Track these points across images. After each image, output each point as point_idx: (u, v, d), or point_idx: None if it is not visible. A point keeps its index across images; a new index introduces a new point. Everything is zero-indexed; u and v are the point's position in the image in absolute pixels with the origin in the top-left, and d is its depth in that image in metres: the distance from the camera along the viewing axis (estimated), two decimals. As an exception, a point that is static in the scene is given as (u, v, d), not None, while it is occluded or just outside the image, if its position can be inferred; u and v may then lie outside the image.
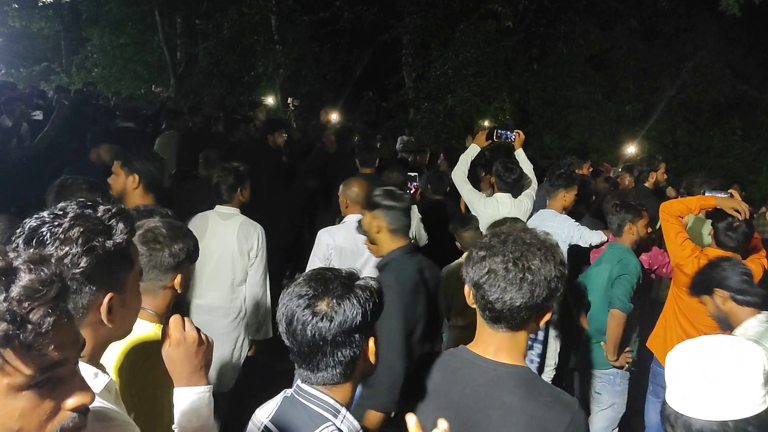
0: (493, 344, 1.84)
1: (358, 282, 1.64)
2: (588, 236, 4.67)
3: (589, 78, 15.20)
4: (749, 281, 3.13)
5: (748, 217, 3.90)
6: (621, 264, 4.06)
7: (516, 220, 4.15)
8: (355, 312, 1.58)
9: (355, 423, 1.68)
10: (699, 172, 10.99)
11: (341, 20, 16.05)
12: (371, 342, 1.65)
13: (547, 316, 1.83)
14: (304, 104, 15.84)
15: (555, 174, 4.96)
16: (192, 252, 2.29)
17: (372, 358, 1.68)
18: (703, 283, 3.27)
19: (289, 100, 11.41)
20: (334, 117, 10.46)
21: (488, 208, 4.98)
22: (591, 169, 6.13)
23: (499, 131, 5.64)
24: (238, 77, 17.89)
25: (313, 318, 1.57)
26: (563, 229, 4.65)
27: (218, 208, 4.09)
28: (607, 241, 4.58)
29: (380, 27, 15.79)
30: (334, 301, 1.58)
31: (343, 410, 1.66)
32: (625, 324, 4.00)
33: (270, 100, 12.85)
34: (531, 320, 1.80)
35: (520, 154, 5.41)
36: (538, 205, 5.19)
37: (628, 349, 4.12)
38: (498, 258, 1.76)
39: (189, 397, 1.70)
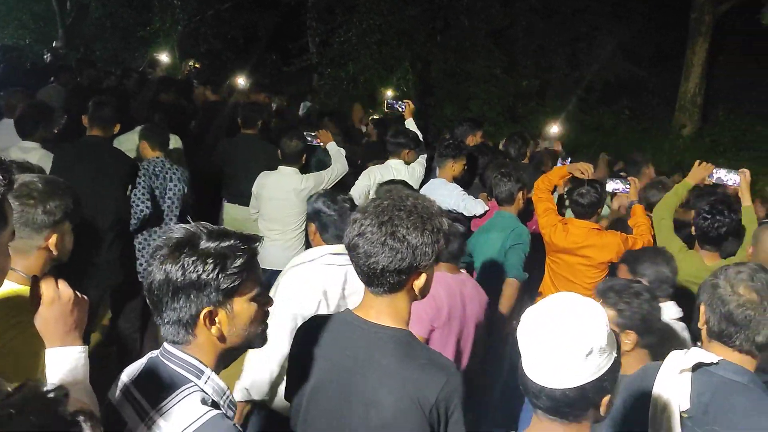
0: (374, 308, 1.90)
1: (204, 245, 1.55)
2: (471, 206, 4.82)
3: (489, 52, 15.49)
4: None
5: (590, 177, 4.24)
6: (515, 233, 4.22)
7: (404, 183, 4.20)
8: (177, 273, 1.52)
9: (221, 384, 1.63)
10: (588, 148, 11.55)
11: (244, -24, 15.57)
12: (207, 311, 1.56)
13: (420, 281, 1.86)
14: (203, 64, 15.33)
15: (443, 144, 5.09)
16: (71, 211, 2.17)
17: (225, 329, 1.59)
18: None
19: (191, 61, 11.02)
20: (242, 81, 10.12)
21: (383, 174, 5.03)
22: (483, 140, 6.28)
23: (389, 101, 5.74)
24: (132, 32, 17.04)
25: (153, 270, 1.54)
26: (451, 198, 4.77)
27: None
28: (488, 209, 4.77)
29: (285, -13, 15.44)
30: (171, 258, 1.53)
31: (208, 371, 1.61)
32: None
33: (164, 57, 12.29)
34: (404, 284, 1.84)
35: (410, 124, 5.55)
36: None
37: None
38: (367, 221, 1.80)
39: (63, 358, 1.65)
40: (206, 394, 1.58)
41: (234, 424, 1.56)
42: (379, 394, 1.82)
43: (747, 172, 4.17)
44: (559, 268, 4.27)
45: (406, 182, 4.22)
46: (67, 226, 2.18)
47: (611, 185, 4.57)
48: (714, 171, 4.21)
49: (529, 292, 4.33)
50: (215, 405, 1.58)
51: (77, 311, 1.69)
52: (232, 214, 5.69)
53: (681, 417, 2.01)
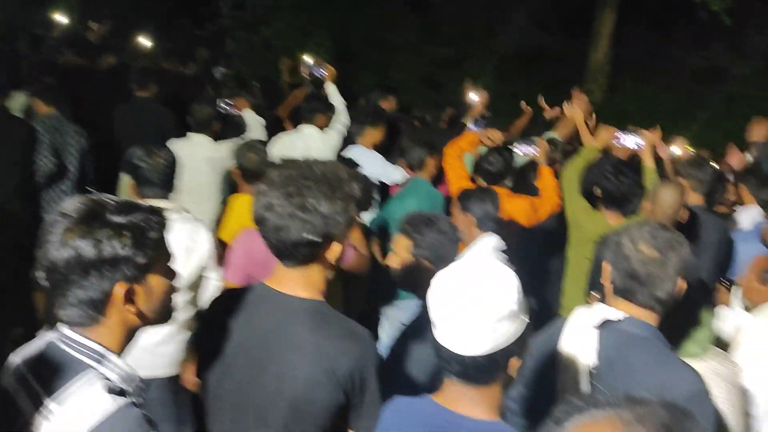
0: (287, 279, 1.84)
1: (115, 218, 1.43)
2: (391, 174, 4.83)
3: (407, 20, 15.45)
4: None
5: (498, 144, 4.34)
6: (429, 197, 4.27)
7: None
8: (89, 249, 1.40)
9: (127, 368, 1.50)
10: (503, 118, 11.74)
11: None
12: (124, 288, 1.46)
13: (335, 251, 1.82)
14: (110, 26, 14.62)
15: (362, 111, 5.07)
16: None
17: (142, 306, 1.50)
18: None
19: (96, 26, 10.48)
20: (145, 42, 9.70)
21: (297, 141, 4.94)
22: (396, 107, 6.28)
23: (311, 67, 5.64)
24: (30, -8, 16.04)
25: (56, 247, 1.41)
26: (371, 166, 4.75)
27: None
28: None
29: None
30: (79, 232, 1.41)
31: (112, 356, 1.48)
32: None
33: (63, 18, 11.59)
34: (317, 255, 1.80)
35: (330, 88, 5.43)
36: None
37: None
38: (275, 193, 1.73)
39: None
40: (111, 381, 1.45)
41: (143, 413, 1.44)
42: (292, 366, 1.77)
43: (649, 135, 4.33)
44: None
45: None
46: None
47: (521, 149, 4.63)
48: (618, 134, 4.36)
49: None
50: (122, 393, 1.46)
51: None
52: (128, 182, 5.38)
53: (589, 373, 2.07)
